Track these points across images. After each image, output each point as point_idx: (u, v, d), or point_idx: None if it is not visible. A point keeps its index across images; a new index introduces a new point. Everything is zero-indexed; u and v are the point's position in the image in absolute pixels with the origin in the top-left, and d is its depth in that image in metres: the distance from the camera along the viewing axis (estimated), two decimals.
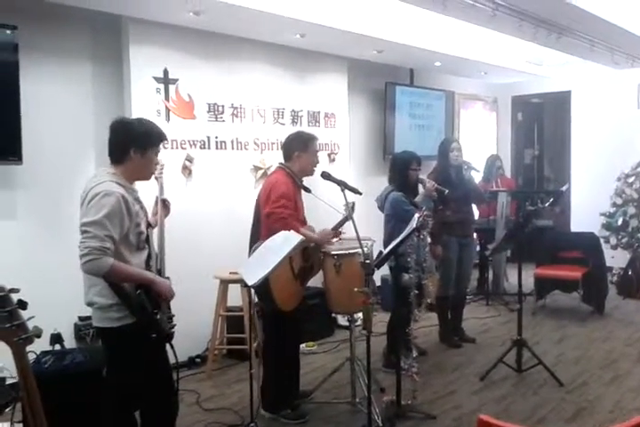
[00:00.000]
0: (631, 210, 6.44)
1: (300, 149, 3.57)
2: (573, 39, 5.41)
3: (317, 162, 3.66)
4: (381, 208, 4.39)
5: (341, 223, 3.65)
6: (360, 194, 3.53)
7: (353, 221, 3.27)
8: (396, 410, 3.51)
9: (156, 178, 2.83)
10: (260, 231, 3.45)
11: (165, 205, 2.88)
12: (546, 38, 5.21)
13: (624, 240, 6.47)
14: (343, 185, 3.40)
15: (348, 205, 3.57)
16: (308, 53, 5.50)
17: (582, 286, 5.63)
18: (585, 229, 6.26)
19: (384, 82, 6.44)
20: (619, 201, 6.57)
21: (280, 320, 3.45)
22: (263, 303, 3.51)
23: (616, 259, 6.46)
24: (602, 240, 6.14)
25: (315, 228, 3.68)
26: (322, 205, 3.68)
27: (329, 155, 5.77)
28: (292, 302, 3.46)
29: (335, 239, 3.80)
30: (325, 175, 3.47)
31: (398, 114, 6.65)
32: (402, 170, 4.33)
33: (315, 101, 5.61)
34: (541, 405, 3.69)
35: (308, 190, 3.63)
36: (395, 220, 4.21)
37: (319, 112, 5.66)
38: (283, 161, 3.68)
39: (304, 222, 3.58)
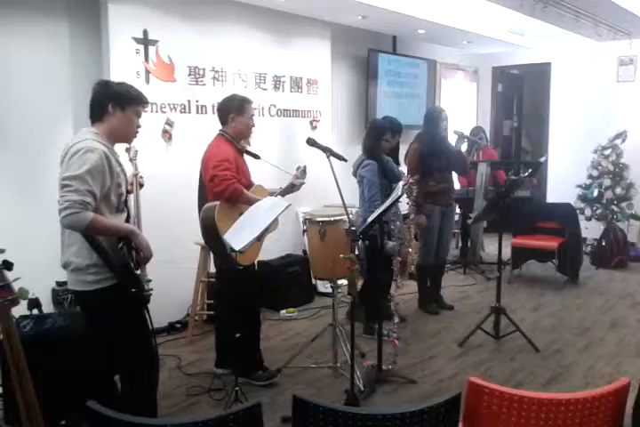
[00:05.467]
0: (606, 182, 6.52)
1: (234, 111, 3.50)
2: (559, 10, 5.37)
3: (253, 125, 3.59)
4: (354, 174, 4.41)
5: (289, 189, 3.62)
6: (345, 161, 3.54)
7: (339, 189, 3.25)
8: (377, 375, 3.57)
9: (131, 160, 2.84)
10: (206, 196, 3.44)
11: (140, 182, 2.85)
12: (532, 8, 5.17)
13: (598, 212, 6.57)
14: (329, 152, 3.39)
15: (299, 168, 3.62)
16: (292, 17, 5.38)
17: (557, 255, 5.74)
18: (561, 201, 6.33)
19: (367, 49, 6.36)
20: (595, 173, 6.65)
21: (238, 283, 3.39)
22: (221, 261, 3.50)
23: (590, 230, 6.57)
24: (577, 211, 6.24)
25: (264, 186, 3.65)
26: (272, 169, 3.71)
27: (311, 122, 5.71)
28: (250, 256, 3.38)
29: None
30: (311, 142, 3.45)
31: (380, 81, 6.58)
32: (374, 138, 4.33)
33: (297, 67, 5.51)
34: (518, 370, 3.78)
35: (256, 157, 3.60)
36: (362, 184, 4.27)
37: (301, 78, 5.57)
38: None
39: (250, 186, 3.55)
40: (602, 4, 5.30)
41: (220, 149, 3.45)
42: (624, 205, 6.50)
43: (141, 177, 2.86)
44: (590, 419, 1.84)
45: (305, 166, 3.69)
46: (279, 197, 3.44)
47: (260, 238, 3.38)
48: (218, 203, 3.28)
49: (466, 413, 1.90)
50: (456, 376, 3.66)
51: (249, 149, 3.71)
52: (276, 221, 3.27)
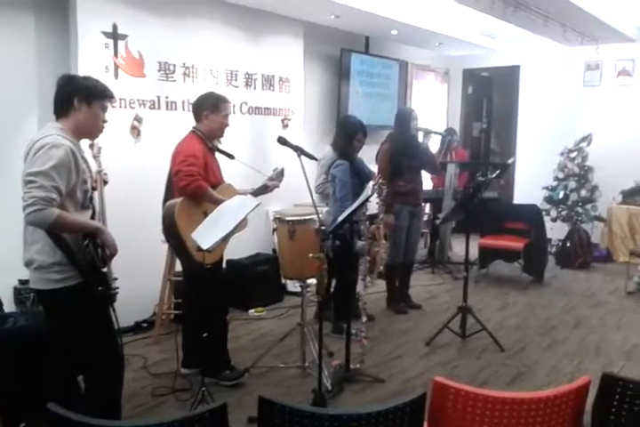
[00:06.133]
0: (572, 184, 6.65)
1: (209, 108, 3.47)
2: (529, 13, 5.45)
3: (227, 124, 3.56)
4: (326, 173, 4.42)
5: (261, 190, 3.60)
6: (316, 160, 3.54)
7: (309, 188, 3.25)
8: (345, 374, 3.57)
9: (95, 157, 2.79)
10: (173, 193, 3.42)
11: (104, 179, 2.81)
12: (502, 11, 5.23)
13: (564, 213, 6.70)
14: (299, 151, 3.37)
15: (276, 170, 3.61)
16: (265, 15, 5.35)
17: (523, 256, 5.83)
18: (528, 202, 6.43)
19: (339, 48, 6.36)
20: (560, 175, 6.78)
21: (203, 282, 3.32)
22: (180, 259, 3.51)
23: (555, 231, 6.71)
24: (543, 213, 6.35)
25: (233, 184, 3.62)
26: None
27: (282, 120, 5.69)
28: (214, 254, 3.28)
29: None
30: (282, 140, 3.43)
31: (352, 81, 6.59)
32: (346, 139, 4.34)
33: (269, 65, 5.49)
34: (484, 369, 3.83)
35: (230, 157, 3.57)
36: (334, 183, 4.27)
37: (273, 76, 5.55)
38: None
39: (219, 183, 3.52)
40: (570, 9, 5.40)
41: (190, 145, 3.42)
42: (588, 206, 6.64)
43: (105, 174, 2.82)
44: (552, 417, 1.86)
45: (282, 169, 3.63)
46: (249, 196, 3.41)
47: (225, 238, 3.35)
48: (179, 200, 3.25)
49: (431, 412, 1.91)
50: (423, 375, 3.69)
51: (221, 147, 3.67)
52: (244, 220, 3.23)
